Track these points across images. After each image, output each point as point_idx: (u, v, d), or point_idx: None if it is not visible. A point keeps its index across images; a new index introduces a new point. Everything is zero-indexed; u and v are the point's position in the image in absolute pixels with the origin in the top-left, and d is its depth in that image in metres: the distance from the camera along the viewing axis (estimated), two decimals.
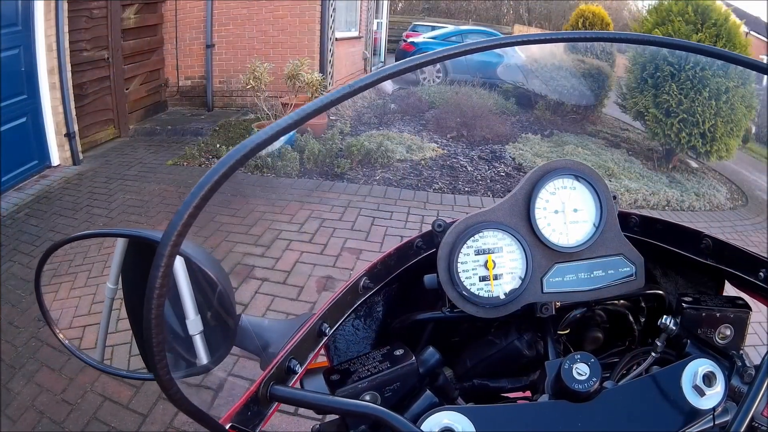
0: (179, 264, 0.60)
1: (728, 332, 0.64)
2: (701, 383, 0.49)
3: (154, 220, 3.57)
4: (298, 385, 0.56)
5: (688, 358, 0.51)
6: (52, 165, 4.58)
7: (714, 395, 0.49)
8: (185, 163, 4.78)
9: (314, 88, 5.21)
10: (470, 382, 0.68)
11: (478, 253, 0.60)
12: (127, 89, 5.60)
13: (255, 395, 0.48)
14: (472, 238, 0.59)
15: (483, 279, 0.59)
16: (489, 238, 0.60)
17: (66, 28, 4.41)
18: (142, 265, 0.66)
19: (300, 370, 0.54)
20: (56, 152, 4.59)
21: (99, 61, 5.12)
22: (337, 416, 0.55)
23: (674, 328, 0.61)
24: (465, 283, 0.59)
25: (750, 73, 5.46)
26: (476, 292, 0.59)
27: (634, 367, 0.69)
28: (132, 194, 4.05)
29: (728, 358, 0.56)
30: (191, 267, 0.58)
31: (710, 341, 0.64)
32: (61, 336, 0.67)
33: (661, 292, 0.75)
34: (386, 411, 0.46)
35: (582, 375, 0.48)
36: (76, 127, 4.65)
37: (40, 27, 4.25)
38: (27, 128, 4.33)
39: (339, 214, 3.76)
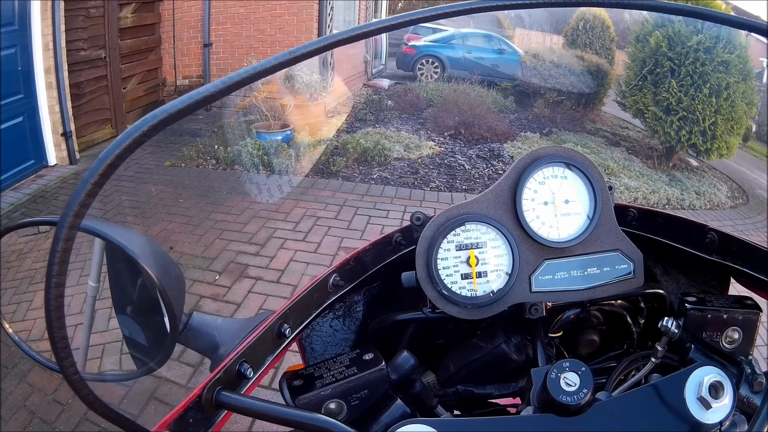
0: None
1: (736, 336, 0.60)
2: (707, 394, 0.43)
3: (150, 221, 3.55)
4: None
5: (692, 366, 0.45)
6: (49, 164, 4.57)
7: (721, 408, 0.43)
8: (183, 164, 4.77)
9: (313, 88, 5.19)
10: (454, 389, 0.65)
11: (459, 248, 0.55)
12: (124, 88, 5.59)
13: (198, 400, 0.44)
14: (453, 232, 0.55)
15: (465, 277, 0.55)
16: (472, 232, 0.56)
17: (63, 27, 4.40)
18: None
19: (253, 374, 0.49)
20: (53, 152, 4.58)
21: (96, 61, 5.11)
22: None
23: (676, 331, 0.57)
24: (445, 281, 0.55)
25: (751, 69, 5.42)
26: (457, 291, 0.55)
27: (633, 373, 0.65)
28: (128, 195, 4.04)
29: (736, 364, 0.52)
30: (130, 259, 0.53)
31: (716, 346, 0.59)
32: (8, 328, 0.64)
33: (661, 291, 0.70)
34: (339, 425, 0.43)
35: (571, 385, 0.43)
36: (72, 127, 4.64)
37: (37, 26, 4.24)
38: (24, 128, 4.31)
39: (334, 213, 3.74)
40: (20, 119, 4.26)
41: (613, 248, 0.58)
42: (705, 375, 0.44)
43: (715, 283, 0.73)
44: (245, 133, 5.16)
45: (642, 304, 0.73)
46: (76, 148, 4.72)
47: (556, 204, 0.57)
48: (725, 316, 0.59)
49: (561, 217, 0.57)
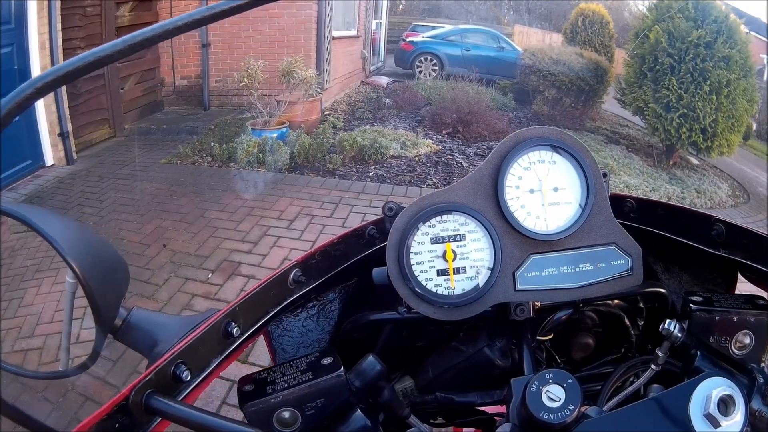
0: None
1: (747, 340, 0.54)
2: (716, 410, 0.37)
3: (144, 218, 3.54)
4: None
5: (698, 377, 0.38)
6: (46, 165, 4.56)
7: (732, 426, 0.37)
8: (179, 162, 4.76)
9: (309, 84, 5.17)
10: (433, 396, 0.60)
11: (435, 241, 0.50)
12: (122, 88, 5.58)
13: (124, 403, 0.40)
14: (428, 224, 0.50)
15: (441, 273, 0.50)
16: (448, 224, 0.50)
17: (59, 26, 4.40)
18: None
19: (191, 378, 0.45)
20: (50, 152, 4.57)
21: None
22: None
23: (680, 335, 0.50)
24: (419, 278, 0.50)
25: (751, 66, 5.37)
26: (433, 289, 0.50)
27: (632, 379, 0.60)
28: (124, 193, 4.03)
29: (747, 373, 0.47)
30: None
31: (725, 352, 0.53)
32: None
33: (663, 290, 0.65)
34: None
35: (555, 400, 0.38)
36: (69, 127, 4.63)
37: (33, 25, 4.23)
38: (20, 128, 4.31)
39: (330, 211, 3.72)
40: (17, 119, 4.25)
41: (609, 242, 0.52)
42: (713, 388, 0.37)
43: (721, 281, 0.67)
44: (241, 130, 5.15)
45: (641, 305, 0.68)
46: (73, 148, 4.71)
47: (544, 192, 0.52)
48: (735, 318, 0.53)
49: (549, 206, 0.52)
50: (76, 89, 4.85)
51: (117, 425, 0.39)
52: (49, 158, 4.57)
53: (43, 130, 4.48)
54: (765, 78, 6.84)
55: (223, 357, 0.49)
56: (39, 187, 4.15)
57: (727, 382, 0.38)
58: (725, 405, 0.37)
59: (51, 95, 4.41)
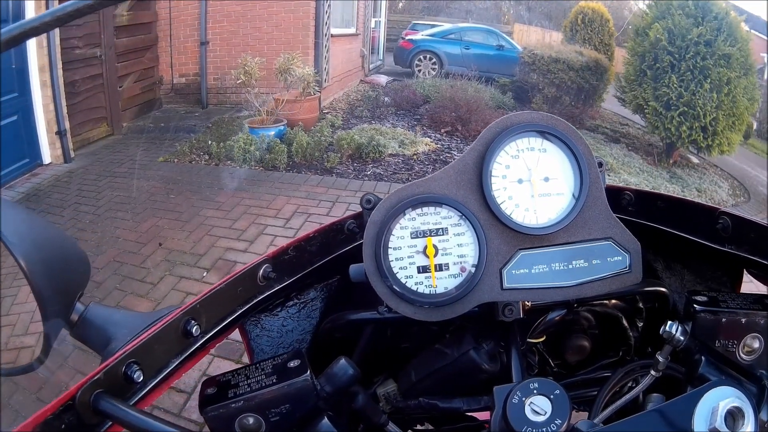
0: None
1: (756, 344, 0.49)
2: (722, 424, 0.33)
3: (140, 216, 3.53)
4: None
5: (703, 387, 0.34)
6: (44, 163, 4.56)
7: None
8: (176, 160, 4.75)
9: (307, 82, 5.15)
10: (416, 401, 0.57)
11: (415, 235, 0.47)
12: (120, 87, 5.58)
13: (71, 402, 0.37)
14: (408, 216, 0.47)
15: (422, 270, 0.47)
16: (429, 216, 0.47)
17: None
18: None
19: (143, 379, 0.42)
20: (47, 150, 4.57)
21: (91, 59, 5.09)
22: None
23: (682, 338, 0.47)
24: (398, 275, 0.47)
25: (752, 64, 5.34)
26: (413, 287, 0.47)
27: (630, 384, 0.57)
28: (120, 191, 4.02)
29: (756, 380, 0.44)
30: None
31: (732, 357, 0.49)
32: None
33: (663, 289, 0.62)
34: None
35: (540, 414, 0.34)
36: (67, 125, 4.63)
37: None
38: (18, 126, 4.30)
39: (327, 209, 3.71)
40: (15, 117, 4.26)
41: (605, 236, 0.48)
42: (720, 399, 0.33)
43: (726, 279, 0.63)
44: (238, 128, 5.14)
45: (640, 305, 0.65)
46: (70, 146, 4.71)
47: (533, 182, 0.48)
48: (743, 320, 0.49)
49: (539, 198, 0.48)
50: (75, 88, 4.85)
51: (63, 425, 0.37)
52: (47, 156, 4.57)
53: (40, 128, 4.48)
54: (765, 77, 6.81)
55: (183, 358, 0.46)
56: (36, 185, 4.15)
57: (736, 392, 0.34)
58: (733, 418, 0.33)
59: (49, 93, 4.41)
